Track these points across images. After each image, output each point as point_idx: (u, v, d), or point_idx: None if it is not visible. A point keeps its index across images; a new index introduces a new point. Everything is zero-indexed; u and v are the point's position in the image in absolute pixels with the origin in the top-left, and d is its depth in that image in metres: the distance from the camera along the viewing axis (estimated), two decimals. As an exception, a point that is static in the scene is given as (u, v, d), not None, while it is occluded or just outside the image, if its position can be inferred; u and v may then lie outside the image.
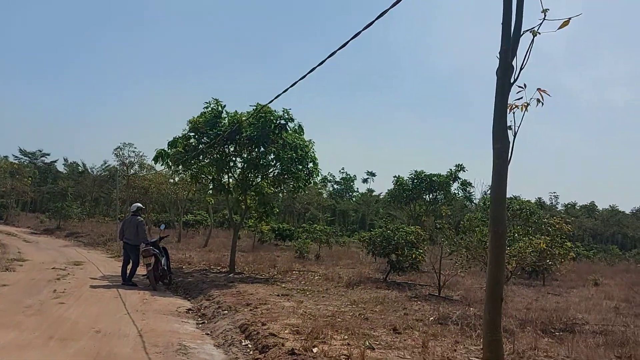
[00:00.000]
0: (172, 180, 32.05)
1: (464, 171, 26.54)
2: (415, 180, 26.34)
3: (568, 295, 14.88)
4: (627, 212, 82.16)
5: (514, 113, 4.79)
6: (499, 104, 4.62)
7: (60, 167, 72.24)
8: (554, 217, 12.41)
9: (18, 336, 6.50)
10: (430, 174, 26.24)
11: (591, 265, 31.45)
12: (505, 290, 12.41)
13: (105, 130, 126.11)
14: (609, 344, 7.40)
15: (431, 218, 28.38)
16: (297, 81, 8.08)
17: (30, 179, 48.47)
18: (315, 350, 6.00)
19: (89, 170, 59.48)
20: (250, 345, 6.78)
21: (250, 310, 8.81)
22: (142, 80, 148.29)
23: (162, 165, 15.51)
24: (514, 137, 4.72)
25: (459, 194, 28.55)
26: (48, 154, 72.07)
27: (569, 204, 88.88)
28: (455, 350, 6.53)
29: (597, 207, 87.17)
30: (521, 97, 4.80)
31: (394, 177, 27.14)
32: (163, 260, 12.54)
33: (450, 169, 26.56)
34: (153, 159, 15.23)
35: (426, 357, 6.01)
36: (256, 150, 14.97)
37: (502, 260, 4.47)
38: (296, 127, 15.33)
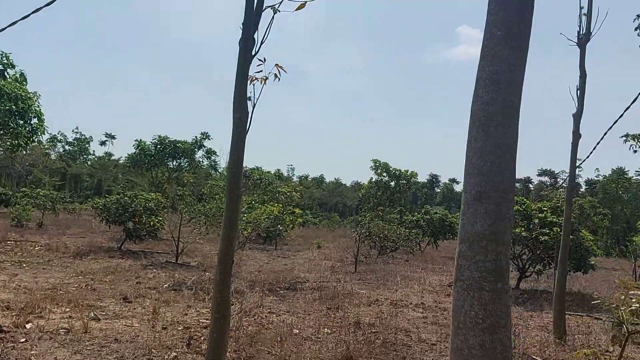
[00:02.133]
0: None
1: (210, 139, 26.86)
2: (159, 146, 25.50)
3: (295, 257, 16.58)
4: (347, 184, 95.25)
5: (254, 85, 5.03)
6: (240, 75, 4.78)
7: None
8: (286, 186, 13.60)
9: None
10: (175, 140, 25.74)
11: (317, 230, 35.72)
12: (240, 254, 13.18)
13: None
14: (323, 297, 8.54)
15: (174, 185, 28.06)
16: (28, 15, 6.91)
17: None
18: (28, 326, 5.37)
19: None
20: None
21: (-56, 288, 7.37)
22: None
23: None
24: (253, 107, 4.96)
25: (204, 162, 28.80)
26: None
27: (302, 175, 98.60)
28: (186, 314, 6.66)
29: (325, 179, 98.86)
30: (261, 71, 5.06)
31: (136, 141, 25.79)
32: None
33: (196, 137, 26.54)
34: None
35: (155, 323, 5.97)
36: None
37: (235, 224, 4.69)
38: (17, 76, 13.19)
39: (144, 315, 6.33)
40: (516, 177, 2.75)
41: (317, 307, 7.82)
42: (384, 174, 37.23)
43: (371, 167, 37.24)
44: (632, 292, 4.30)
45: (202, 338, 5.37)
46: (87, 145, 72.89)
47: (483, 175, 2.57)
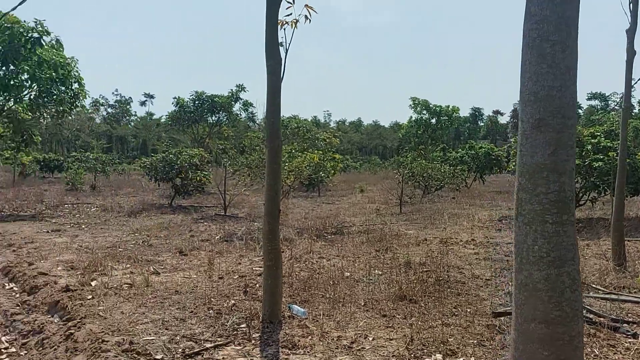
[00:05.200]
0: None
1: (245, 91, 26.75)
2: (197, 102, 25.64)
3: (339, 203, 16.69)
4: (386, 126, 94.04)
5: (284, 29, 4.87)
6: (269, 20, 4.62)
7: None
8: (325, 133, 13.50)
9: None
10: (212, 94, 25.76)
11: (358, 175, 35.72)
12: (285, 203, 13.34)
13: None
14: (371, 240, 8.58)
15: (215, 140, 28.37)
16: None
17: None
18: (94, 283, 5.63)
19: None
20: (16, 289, 6.04)
21: (14, 251, 7.84)
22: None
23: None
24: (286, 53, 4.83)
25: (241, 114, 28.90)
26: None
27: (340, 120, 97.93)
28: (239, 263, 6.83)
29: (363, 122, 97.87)
30: (291, 14, 4.89)
31: (174, 98, 25.99)
32: None
33: (232, 90, 26.48)
34: None
35: (212, 273, 6.15)
36: (4, 68, 12.64)
37: (278, 173, 4.68)
38: (54, 43, 13.32)
39: (200, 267, 6.54)
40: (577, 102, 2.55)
41: (365, 249, 7.87)
42: (424, 112, 36.38)
43: (410, 105, 36.44)
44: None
45: (257, 285, 5.51)
46: (128, 107, 74.46)
47: (540, 102, 2.40)
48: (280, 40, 4.66)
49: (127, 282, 5.66)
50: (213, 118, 26.81)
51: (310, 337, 4.06)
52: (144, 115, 75.38)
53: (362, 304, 4.97)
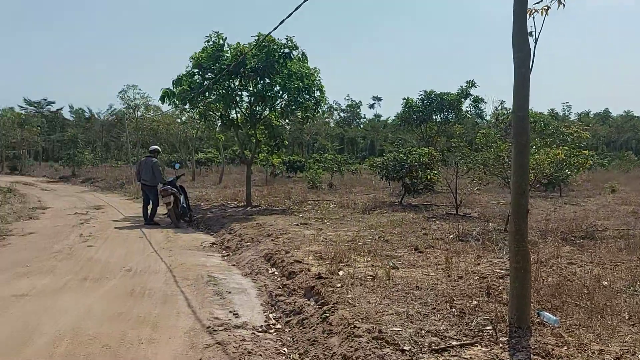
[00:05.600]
0: (179, 120, 31.91)
1: (475, 87, 25.87)
2: (425, 101, 25.81)
3: (585, 204, 14.95)
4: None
5: (533, 18, 4.56)
6: (519, 8, 4.37)
7: (66, 114, 71.80)
8: (571, 126, 12.21)
9: (53, 280, 6.70)
10: (441, 93, 25.63)
11: (606, 173, 31.44)
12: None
13: (108, 74, 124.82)
14: (631, 247, 7.47)
15: (443, 139, 28.16)
16: (300, 5, 7.75)
17: (39, 128, 48.45)
18: (341, 273, 6.13)
19: (96, 116, 59.53)
20: (276, 273, 6.95)
21: (272, 240, 8.97)
22: (141, 22, 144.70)
23: (168, 104, 15.31)
24: (535, 43, 4.52)
25: (470, 111, 28.04)
26: (53, 102, 71.29)
27: (582, 113, 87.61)
28: (478, 264, 6.65)
29: (610, 113, 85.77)
30: (541, 0, 4.55)
31: (403, 99, 26.59)
32: (182, 199, 12.70)
33: (461, 86, 25.91)
34: (159, 99, 15.00)
35: (450, 272, 6.12)
36: (262, 82, 14.66)
37: (526, 171, 4.41)
38: (300, 55, 14.92)
39: (437, 265, 6.57)
40: None
41: (624, 257, 6.88)
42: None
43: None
44: None
45: (500, 287, 5.29)
46: (358, 110, 79.12)
47: None
48: (528, 29, 4.39)
49: (370, 275, 6.01)
50: (441, 116, 26.60)
51: (566, 348, 3.73)
52: (372, 117, 79.25)
53: (627, 317, 4.37)
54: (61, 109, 72.18)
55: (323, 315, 4.80)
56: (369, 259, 7.01)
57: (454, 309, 4.69)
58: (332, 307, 4.89)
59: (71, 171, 37.14)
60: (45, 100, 70.41)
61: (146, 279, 6.82)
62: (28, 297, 5.86)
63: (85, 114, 65.59)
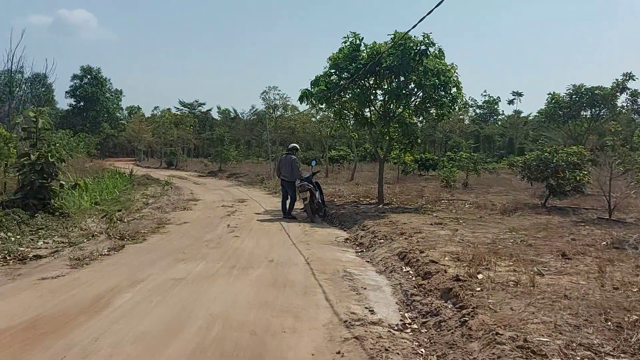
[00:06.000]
0: (314, 119, 33.08)
1: (634, 79, 23.14)
2: (574, 96, 23.70)
3: None
4: None
5: None
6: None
7: (215, 114, 78.25)
8: None
9: (206, 266, 7.40)
10: (592, 87, 23.35)
11: None
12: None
13: (250, 77, 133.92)
14: None
15: (594, 136, 25.69)
16: (437, 5, 7.63)
17: (191, 127, 53.49)
18: (480, 276, 5.93)
19: (240, 116, 64.17)
20: (411, 272, 6.93)
21: (406, 238, 8.94)
22: (280, 24, 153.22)
23: (307, 104, 15.95)
24: None
25: (626, 106, 25.19)
26: (203, 104, 78.17)
27: None
28: (637, 275, 5.99)
29: None
30: None
31: (548, 94, 24.68)
32: (317, 194, 13.22)
33: (616, 79, 23.35)
34: (298, 99, 15.69)
35: (604, 282, 5.61)
36: (396, 80, 14.64)
37: None
38: (436, 52, 14.60)
39: (588, 273, 6.05)
40: None
41: None
42: None
43: None
44: None
45: (667, 305, 4.73)
46: (495, 106, 75.07)
47: None
48: None
49: (512, 280, 5.73)
50: (591, 112, 24.27)
51: None
52: (511, 113, 74.63)
53: None
54: (210, 109, 78.87)
55: (462, 319, 4.69)
56: (511, 263, 6.68)
57: (609, 322, 4.30)
58: (471, 311, 4.76)
59: (218, 167, 40.36)
60: (197, 101, 77.44)
61: (287, 270, 7.23)
62: (185, 281, 6.54)
63: (231, 114, 70.99)
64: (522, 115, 70.19)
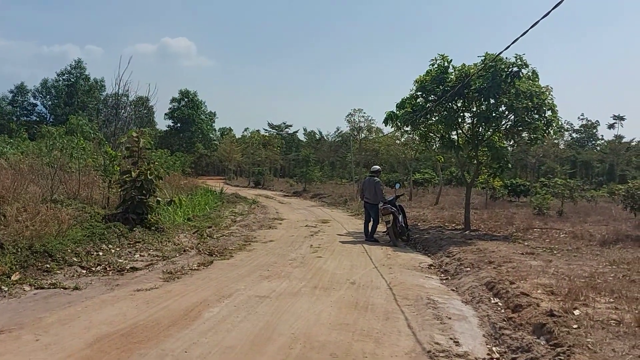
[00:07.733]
0: (399, 141, 32.86)
1: None
2: (686, 120, 21.68)
3: None
4: None
5: None
6: None
7: (301, 136, 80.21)
8: None
9: (289, 285, 7.52)
10: None
11: None
12: None
13: (337, 100, 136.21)
14: None
15: None
16: (532, 26, 7.37)
17: (278, 148, 55.16)
18: (576, 312, 5.53)
19: (325, 138, 65.35)
20: (500, 304, 6.60)
21: (494, 268, 8.55)
22: (367, 50, 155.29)
23: (392, 126, 15.93)
24: None
25: None
26: (290, 125, 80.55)
27: None
28: None
29: None
30: None
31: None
32: (400, 218, 13.04)
33: None
34: (383, 121, 15.76)
35: None
36: (486, 102, 14.21)
37: None
38: (530, 74, 14.04)
39: None
40: None
41: None
42: None
43: None
44: None
45: None
46: (594, 131, 70.50)
47: None
48: None
49: (614, 318, 5.28)
50: None
51: None
52: (611, 138, 69.69)
53: None
54: (297, 131, 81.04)
55: (557, 357, 4.39)
56: (612, 299, 6.17)
57: None
58: (567, 349, 4.44)
59: (303, 187, 41.13)
60: (284, 123, 79.99)
61: (369, 293, 7.16)
62: (269, 298, 6.67)
63: (316, 135, 72.51)
64: (624, 140, 65.31)
